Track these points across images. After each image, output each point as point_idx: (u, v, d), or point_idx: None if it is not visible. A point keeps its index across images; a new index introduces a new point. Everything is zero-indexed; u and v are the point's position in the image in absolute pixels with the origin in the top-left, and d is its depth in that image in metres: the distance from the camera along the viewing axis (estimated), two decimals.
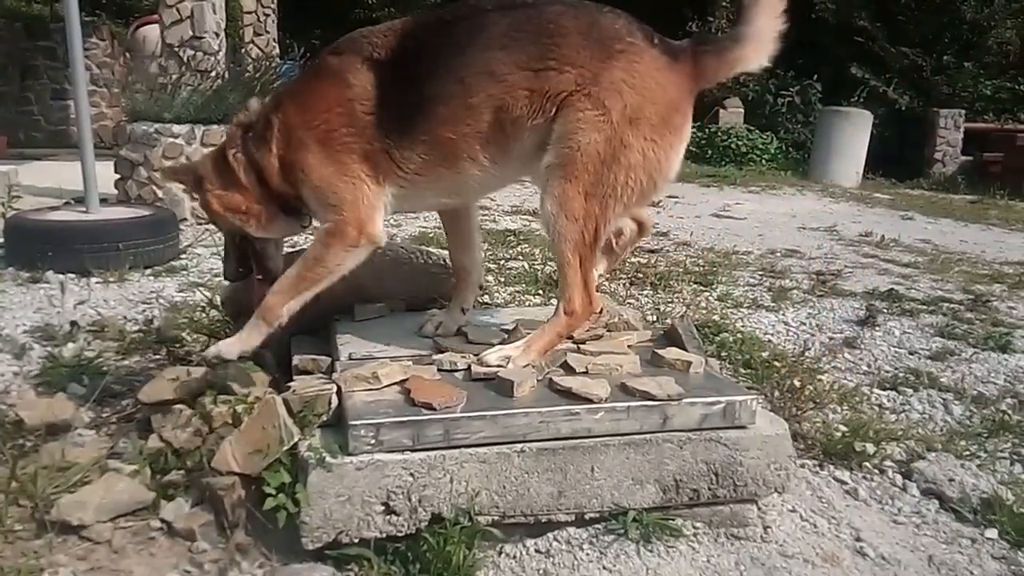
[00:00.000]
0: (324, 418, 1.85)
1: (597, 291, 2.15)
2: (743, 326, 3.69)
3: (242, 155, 2.05)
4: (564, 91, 1.90)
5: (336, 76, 1.98)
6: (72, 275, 4.00)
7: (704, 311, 3.86)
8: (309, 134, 1.97)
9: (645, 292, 4.23)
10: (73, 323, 3.11)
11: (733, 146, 12.71)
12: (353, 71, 1.96)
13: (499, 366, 1.98)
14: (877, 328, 3.82)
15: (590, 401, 1.87)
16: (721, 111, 14.36)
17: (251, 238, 2.12)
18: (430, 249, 2.68)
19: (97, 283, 3.94)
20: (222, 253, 2.26)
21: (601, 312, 2.48)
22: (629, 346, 2.27)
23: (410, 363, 2.03)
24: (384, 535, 1.74)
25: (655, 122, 1.91)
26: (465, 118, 1.93)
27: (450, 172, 2.01)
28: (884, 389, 3.03)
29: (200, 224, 5.41)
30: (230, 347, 1.99)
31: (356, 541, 1.73)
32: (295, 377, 2.06)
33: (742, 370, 3.01)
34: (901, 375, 3.17)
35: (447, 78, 1.93)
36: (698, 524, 1.96)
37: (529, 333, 2.10)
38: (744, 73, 2.06)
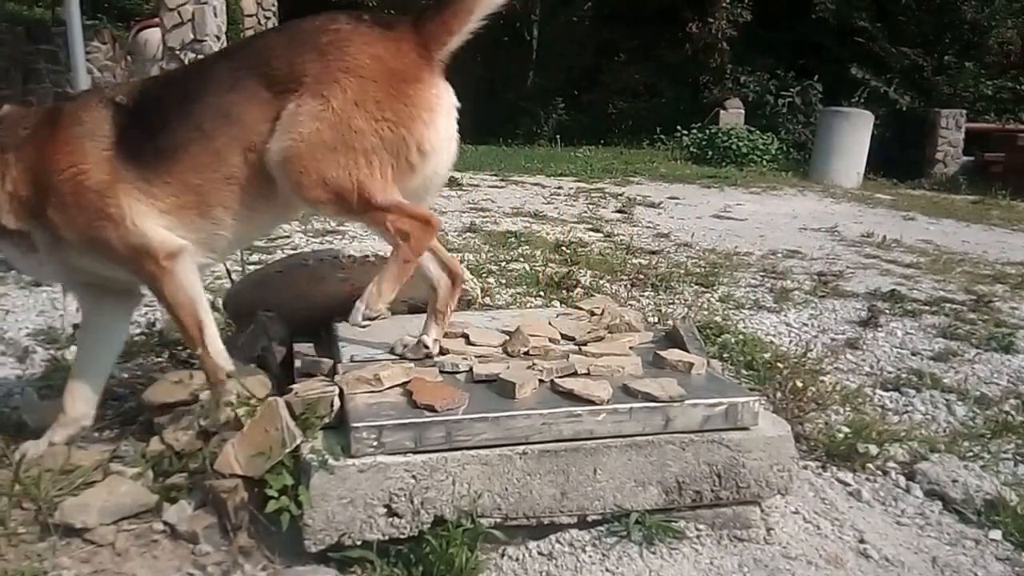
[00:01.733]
0: (326, 420, 1.84)
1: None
2: (745, 327, 3.69)
3: None
4: (287, 103, 1.84)
5: (74, 117, 1.93)
6: None
7: (706, 312, 3.86)
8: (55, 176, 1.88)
9: (646, 293, 4.23)
10: (76, 326, 3.10)
11: (734, 147, 12.71)
12: (92, 113, 1.92)
13: (368, 319, 1.93)
14: (879, 329, 3.82)
15: (592, 403, 1.87)
16: (722, 112, 14.38)
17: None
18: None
19: None
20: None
21: (603, 313, 2.48)
22: (631, 347, 2.27)
23: (412, 365, 2.03)
24: (387, 537, 1.74)
25: (382, 98, 1.83)
26: (212, 164, 1.89)
27: (201, 221, 1.94)
28: (887, 390, 3.03)
29: None
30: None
31: (359, 543, 1.72)
32: (297, 379, 2.06)
33: (744, 371, 3.01)
34: (904, 376, 3.16)
35: (188, 125, 1.89)
36: (701, 526, 1.95)
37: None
38: (491, 15, 1.95)
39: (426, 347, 2.12)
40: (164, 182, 1.90)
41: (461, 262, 3.07)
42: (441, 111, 1.91)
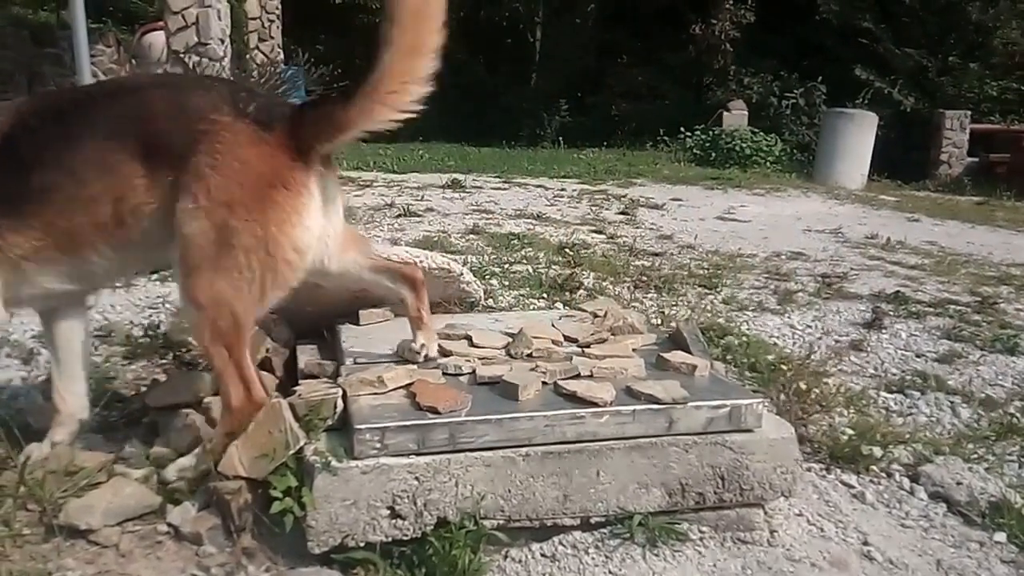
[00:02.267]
0: (330, 422, 1.85)
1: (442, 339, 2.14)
2: (748, 329, 3.68)
3: None
4: (167, 178, 1.80)
5: None
6: None
7: (709, 314, 3.86)
8: None
9: (649, 295, 4.23)
10: None
11: (737, 148, 12.70)
12: None
13: (180, 479, 1.89)
14: (883, 331, 3.81)
15: (595, 405, 1.87)
16: (725, 113, 14.38)
17: None
18: (434, 254, 2.68)
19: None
20: None
21: (606, 315, 2.48)
22: (634, 349, 2.27)
23: (415, 367, 2.03)
24: (390, 539, 1.74)
25: (248, 202, 1.77)
26: (80, 209, 1.83)
27: (68, 259, 1.89)
28: (891, 392, 3.02)
29: None
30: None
31: (362, 545, 1.72)
32: (300, 381, 2.07)
33: (747, 373, 3.01)
34: (908, 378, 3.15)
35: (61, 168, 1.83)
36: (704, 528, 1.95)
37: None
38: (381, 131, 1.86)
39: (417, 352, 2.12)
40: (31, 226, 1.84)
41: (464, 264, 3.08)
42: (310, 213, 1.84)
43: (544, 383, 1.97)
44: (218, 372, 1.86)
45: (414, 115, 1.81)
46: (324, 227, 1.91)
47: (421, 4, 1.74)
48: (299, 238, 1.83)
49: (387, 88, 1.76)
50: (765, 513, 2.01)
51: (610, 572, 1.80)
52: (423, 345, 2.14)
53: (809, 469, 2.32)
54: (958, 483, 2.25)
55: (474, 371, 2.04)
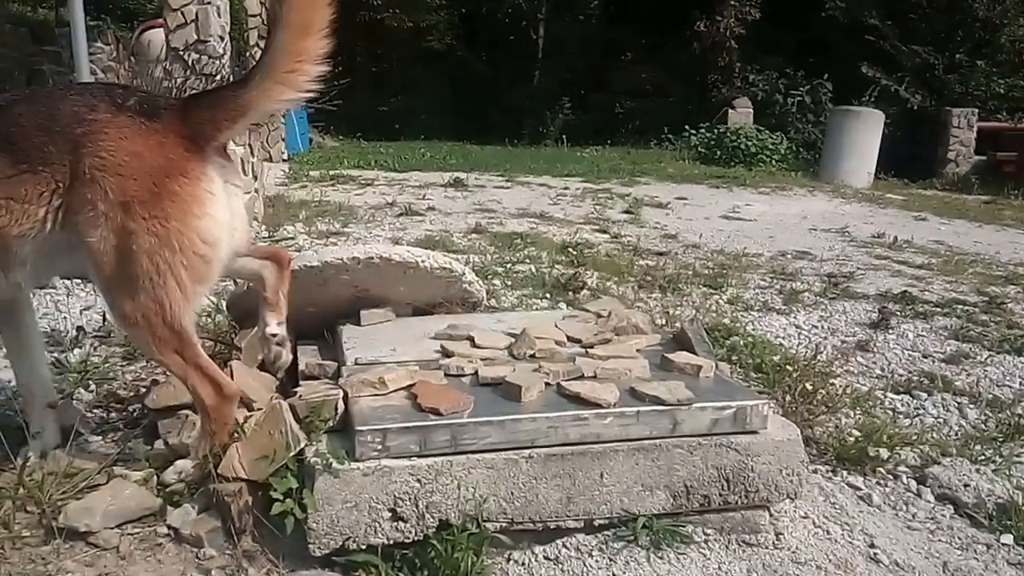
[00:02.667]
0: (331, 424, 1.84)
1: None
2: (754, 329, 3.66)
3: None
4: (53, 193, 1.74)
5: None
6: (78, 281, 4.00)
7: (714, 314, 3.84)
8: None
9: (654, 295, 4.21)
10: (79, 329, 3.11)
11: (743, 146, 12.65)
12: None
13: (180, 481, 1.87)
14: (890, 331, 3.78)
15: (599, 406, 1.85)
16: (730, 111, 14.33)
17: None
18: (436, 253, 2.66)
19: None
20: None
21: (610, 315, 2.46)
22: (638, 350, 2.25)
23: (417, 368, 2.02)
24: (391, 541, 1.73)
25: (145, 198, 1.71)
26: None
27: None
28: (898, 393, 3.00)
29: None
30: None
31: (363, 547, 1.71)
32: (301, 382, 2.06)
33: (753, 374, 2.99)
34: (915, 379, 3.13)
35: None
36: (709, 530, 1.93)
37: None
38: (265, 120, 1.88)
39: (271, 338, 2.08)
40: None
41: (466, 264, 3.06)
42: (214, 201, 1.80)
43: (547, 384, 1.95)
44: (181, 378, 1.85)
45: (311, 95, 1.81)
46: (231, 219, 1.85)
47: None
48: (206, 229, 1.78)
49: (283, 67, 1.76)
50: (771, 515, 1.99)
51: (614, 575, 1.78)
52: (275, 333, 2.07)
53: (815, 471, 2.31)
54: (965, 485, 2.23)
55: (476, 372, 2.02)
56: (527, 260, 4.94)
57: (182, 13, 6.33)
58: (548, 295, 4.02)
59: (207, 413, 1.85)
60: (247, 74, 1.80)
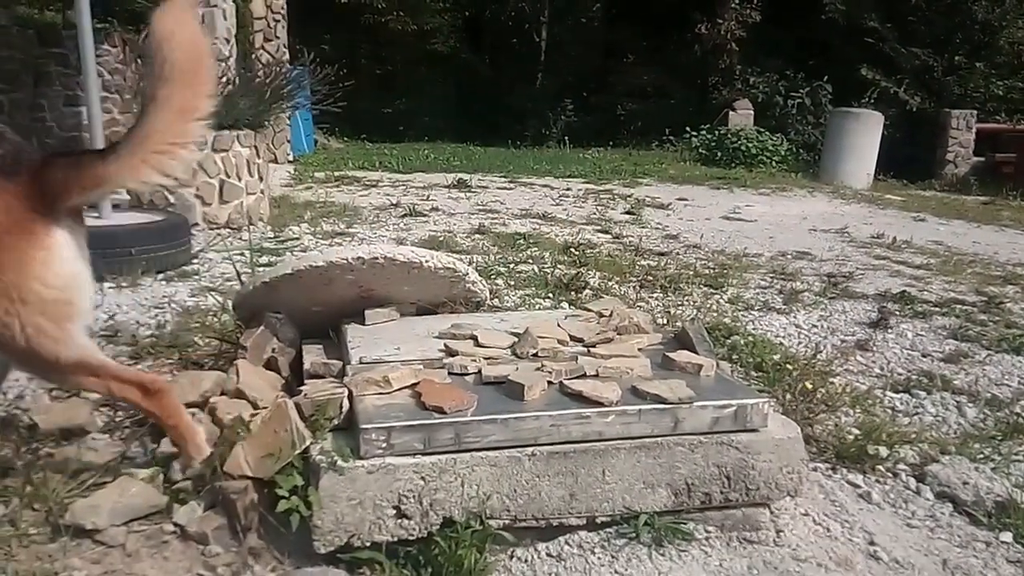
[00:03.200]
0: (335, 422, 1.85)
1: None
2: (754, 329, 3.67)
3: None
4: None
5: None
6: None
7: (715, 314, 3.85)
8: None
9: (655, 295, 4.22)
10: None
11: (743, 148, 12.69)
12: None
13: (186, 478, 1.87)
14: (889, 330, 3.80)
15: (601, 404, 1.86)
16: (731, 113, 14.36)
17: None
18: (439, 253, 2.68)
19: (110, 288, 3.97)
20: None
21: (612, 315, 2.48)
22: (640, 349, 2.26)
23: (421, 367, 2.03)
24: (396, 539, 1.74)
25: None
26: None
27: None
28: (897, 392, 3.01)
29: (212, 229, 5.45)
30: None
31: (368, 544, 1.73)
32: (306, 381, 2.07)
33: (753, 373, 3.00)
34: (914, 378, 3.14)
35: None
36: (710, 528, 1.95)
37: None
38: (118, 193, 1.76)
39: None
40: None
41: (470, 264, 3.08)
42: (57, 260, 1.70)
43: (550, 383, 1.97)
44: (106, 394, 1.85)
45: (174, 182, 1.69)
46: (83, 270, 1.77)
47: (192, 65, 1.64)
48: (52, 274, 1.68)
49: (153, 147, 1.66)
50: (771, 513, 2.01)
51: (616, 572, 1.80)
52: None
53: (815, 469, 2.32)
54: (964, 483, 2.24)
55: (480, 371, 2.04)
56: (530, 260, 4.95)
57: None
58: (550, 295, 4.03)
59: (151, 413, 1.85)
60: (114, 144, 1.69)
